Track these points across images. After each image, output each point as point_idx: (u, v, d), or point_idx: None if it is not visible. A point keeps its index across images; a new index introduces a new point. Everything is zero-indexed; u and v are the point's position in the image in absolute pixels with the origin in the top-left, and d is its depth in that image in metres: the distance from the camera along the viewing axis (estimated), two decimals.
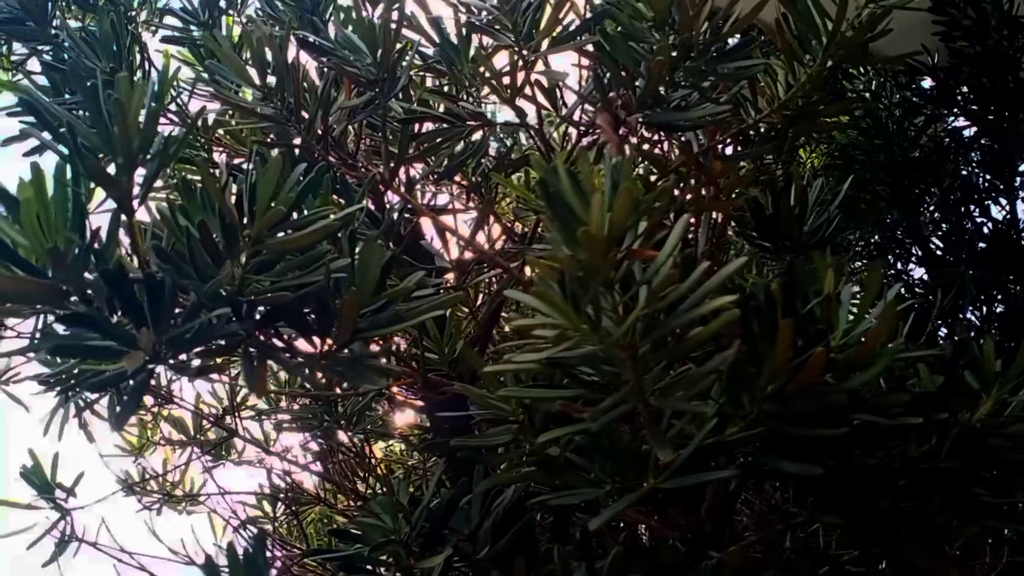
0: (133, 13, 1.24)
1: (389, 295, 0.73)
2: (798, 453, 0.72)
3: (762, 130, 1.05)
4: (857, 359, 0.66)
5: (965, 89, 1.82)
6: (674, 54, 0.79)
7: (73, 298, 0.64)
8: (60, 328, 0.71)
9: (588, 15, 0.80)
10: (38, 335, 1.34)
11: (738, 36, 0.87)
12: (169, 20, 1.27)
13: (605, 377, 0.66)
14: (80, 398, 1.49)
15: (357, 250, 0.74)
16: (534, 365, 0.62)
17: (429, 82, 1.07)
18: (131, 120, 0.62)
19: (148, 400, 1.58)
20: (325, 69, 0.95)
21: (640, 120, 0.81)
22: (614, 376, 0.64)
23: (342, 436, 1.52)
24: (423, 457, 1.43)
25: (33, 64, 1.32)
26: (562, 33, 0.82)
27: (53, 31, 1.25)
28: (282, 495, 1.57)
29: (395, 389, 1.24)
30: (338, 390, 1.24)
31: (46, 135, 0.68)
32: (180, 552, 1.54)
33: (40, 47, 1.26)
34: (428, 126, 0.98)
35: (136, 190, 0.68)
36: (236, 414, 1.52)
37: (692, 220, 0.98)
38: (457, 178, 1.09)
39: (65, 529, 1.31)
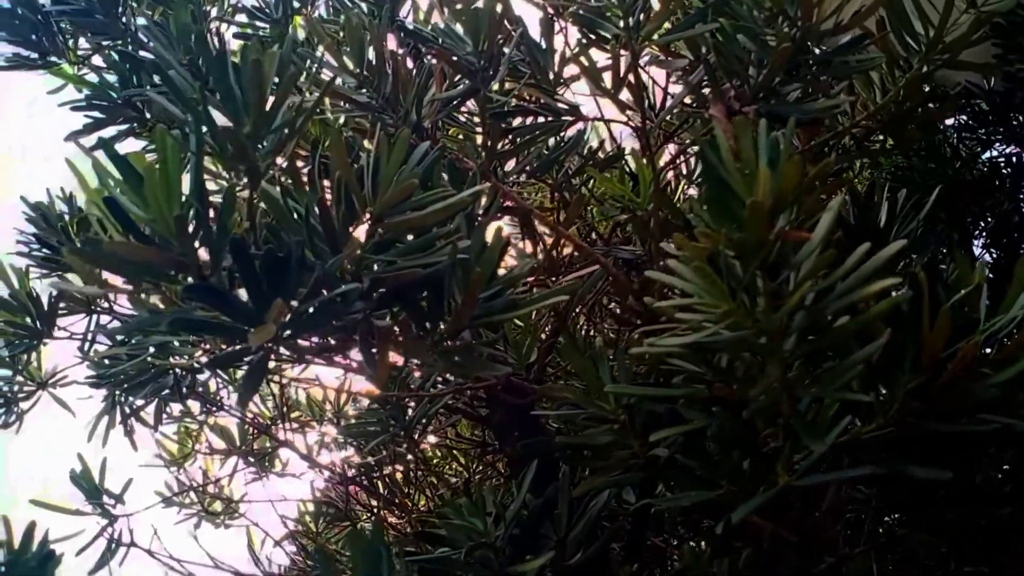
0: (206, 9, 1.23)
1: (505, 281, 0.70)
2: (926, 455, 0.69)
3: (856, 136, 1.03)
4: (1011, 353, 0.63)
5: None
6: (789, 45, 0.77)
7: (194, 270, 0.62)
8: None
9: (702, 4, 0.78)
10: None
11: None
12: (240, 18, 1.26)
13: (746, 366, 0.63)
14: (127, 404, 1.46)
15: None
16: (679, 349, 0.59)
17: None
18: (265, 87, 0.60)
19: (194, 407, 1.55)
20: (422, 60, 0.94)
21: (757, 111, 0.78)
22: (756, 365, 0.61)
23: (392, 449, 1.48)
24: (484, 465, 1.39)
25: (97, 59, 1.31)
26: (676, 22, 0.80)
27: (123, 25, 1.24)
28: (335, 504, 1.52)
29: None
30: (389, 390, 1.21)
31: (171, 106, 0.66)
32: (225, 562, 1.49)
33: (109, 41, 1.25)
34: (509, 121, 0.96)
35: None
36: (285, 423, 1.49)
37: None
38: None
39: (113, 535, 1.27)
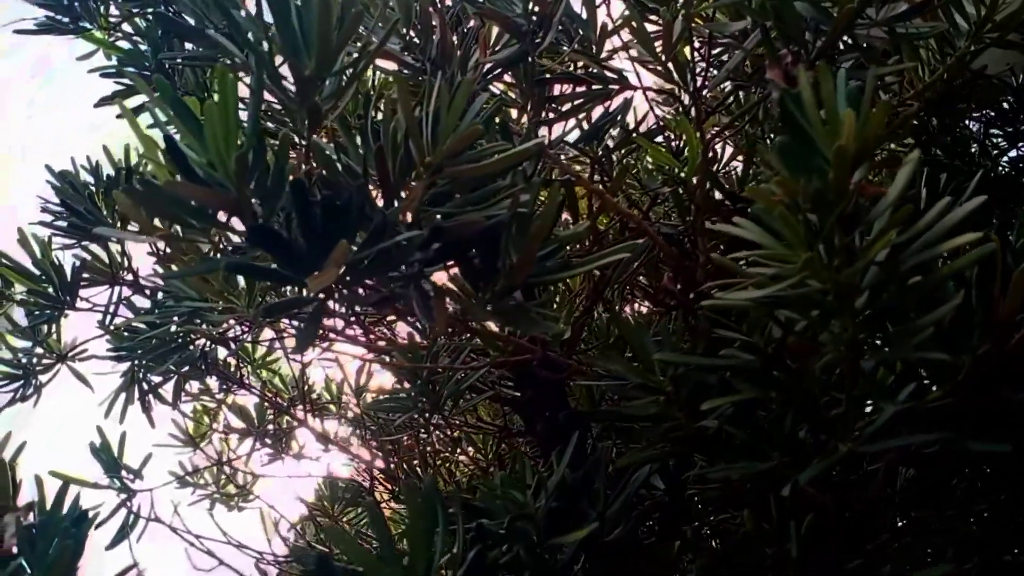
0: None
1: (561, 240, 0.69)
2: (979, 428, 0.67)
3: (900, 114, 1.02)
4: None
5: None
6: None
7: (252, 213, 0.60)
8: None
9: None
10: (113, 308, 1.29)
11: None
12: None
13: (811, 325, 0.61)
14: (146, 380, 1.45)
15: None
16: (749, 303, 0.58)
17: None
18: (330, 26, 0.59)
19: (211, 391, 1.53)
20: (462, 27, 0.92)
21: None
22: (821, 324, 0.60)
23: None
24: (509, 447, 1.37)
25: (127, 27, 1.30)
26: None
27: None
28: (358, 484, 1.50)
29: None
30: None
31: (230, 47, 0.65)
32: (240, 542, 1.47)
33: (139, 8, 1.23)
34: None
35: None
36: (305, 402, 1.47)
37: None
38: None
39: (132, 509, 1.25)
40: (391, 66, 0.88)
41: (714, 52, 0.96)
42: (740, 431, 0.75)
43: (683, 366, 0.80)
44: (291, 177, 0.61)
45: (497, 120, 0.76)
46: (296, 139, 0.70)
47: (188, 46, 1.21)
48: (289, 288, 0.96)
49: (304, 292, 0.62)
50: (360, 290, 0.63)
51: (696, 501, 0.86)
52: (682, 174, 0.90)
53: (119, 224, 1.24)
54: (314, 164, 0.63)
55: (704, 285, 0.89)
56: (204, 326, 1.09)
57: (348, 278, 0.61)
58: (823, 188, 0.54)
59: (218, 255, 0.76)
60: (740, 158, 0.99)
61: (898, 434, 0.66)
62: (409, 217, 0.64)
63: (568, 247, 0.89)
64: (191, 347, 1.31)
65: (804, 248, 0.55)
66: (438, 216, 0.66)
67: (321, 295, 0.61)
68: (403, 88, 0.60)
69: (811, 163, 0.55)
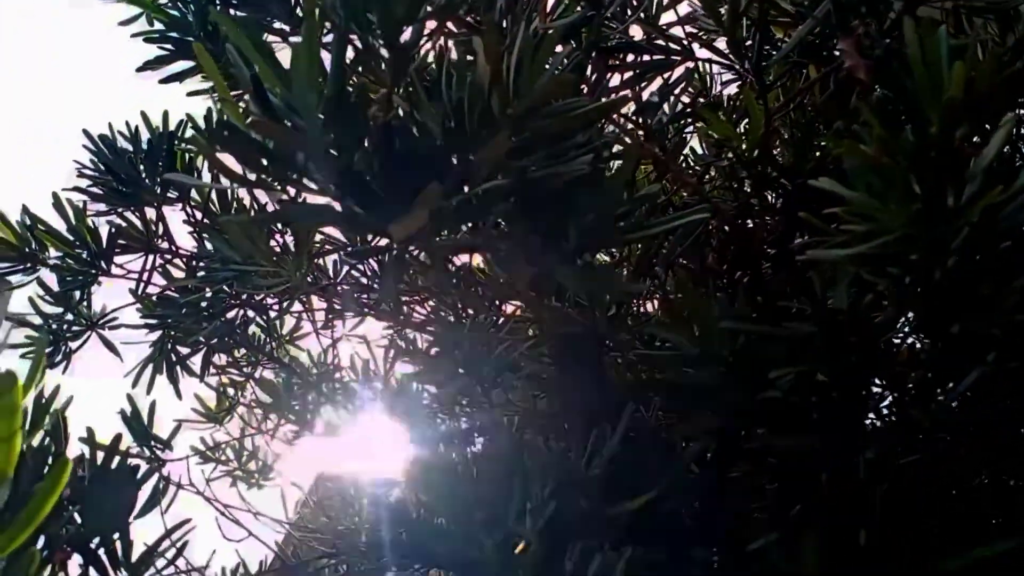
0: None
1: (636, 200, 0.68)
2: None
3: None
4: None
5: None
6: None
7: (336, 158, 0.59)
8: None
9: None
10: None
11: None
12: None
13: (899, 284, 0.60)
14: (175, 351, 1.43)
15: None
16: (843, 258, 0.57)
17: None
18: None
19: (241, 359, 1.52)
20: None
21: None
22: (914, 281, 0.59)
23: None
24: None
25: None
26: None
27: None
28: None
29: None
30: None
31: None
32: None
33: None
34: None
35: None
36: (335, 374, 1.46)
37: None
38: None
39: (163, 476, 1.24)
40: (453, 28, 0.87)
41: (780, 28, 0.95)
42: (805, 402, 0.74)
43: (745, 337, 0.79)
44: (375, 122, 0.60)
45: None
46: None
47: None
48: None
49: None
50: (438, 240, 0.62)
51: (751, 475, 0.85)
52: (741, 147, 0.89)
53: (159, 189, 1.23)
54: (395, 113, 0.61)
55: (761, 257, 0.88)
56: (247, 290, 1.08)
57: (430, 227, 0.60)
58: (926, 142, 0.53)
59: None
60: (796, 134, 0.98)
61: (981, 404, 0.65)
62: (485, 171, 0.63)
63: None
64: (223, 318, 1.30)
65: (904, 204, 0.54)
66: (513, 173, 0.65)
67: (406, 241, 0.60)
68: (491, 37, 0.59)
69: (912, 118, 0.55)
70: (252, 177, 0.64)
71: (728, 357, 0.80)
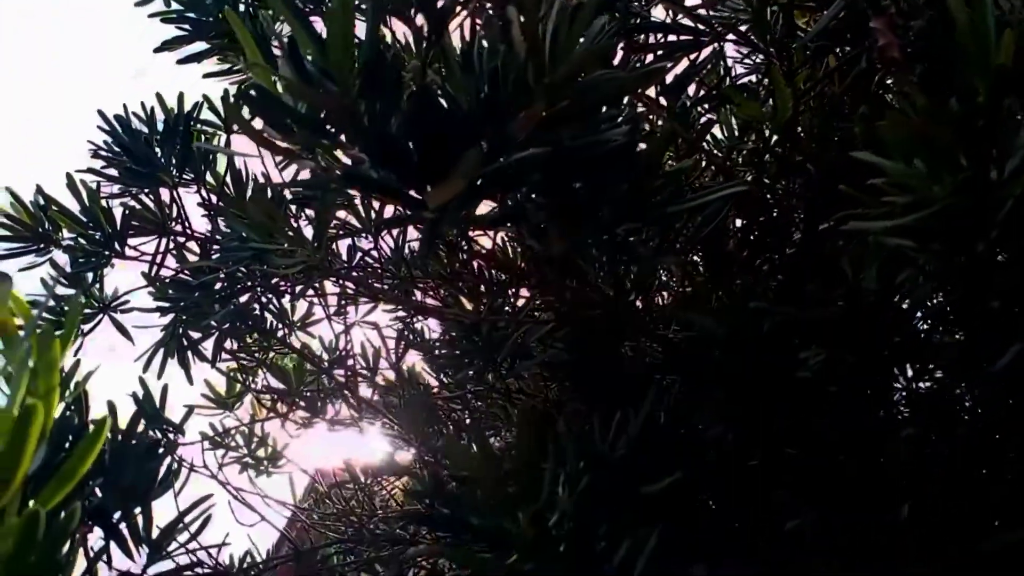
0: None
1: (671, 173, 0.67)
2: None
3: None
4: None
5: None
6: None
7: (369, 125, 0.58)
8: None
9: None
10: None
11: None
12: None
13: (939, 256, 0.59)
14: (186, 336, 1.43)
15: None
16: (886, 229, 0.56)
17: None
18: None
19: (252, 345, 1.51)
20: None
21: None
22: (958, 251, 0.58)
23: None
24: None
25: None
26: None
27: None
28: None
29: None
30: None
31: None
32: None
33: None
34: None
35: None
36: (349, 363, 1.45)
37: None
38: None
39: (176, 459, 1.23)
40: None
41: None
42: (834, 383, 0.74)
43: (772, 319, 0.79)
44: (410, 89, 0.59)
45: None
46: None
47: None
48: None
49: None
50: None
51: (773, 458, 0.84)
52: (766, 130, 0.89)
53: (175, 172, 1.23)
54: (431, 80, 0.61)
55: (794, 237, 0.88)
56: (265, 270, 1.07)
57: (463, 196, 0.59)
58: (973, 112, 0.52)
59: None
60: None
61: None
62: (520, 141, 0.62)
63: None
64: (236, 301, 1.30)
65: (950, 175, 0.53)
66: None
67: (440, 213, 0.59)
68: (528, 4, 0.58)
69: (957, 88, 0.54)
70: (284, 145, 0.63)
71: (756, 339, 0.79)
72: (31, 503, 0.36)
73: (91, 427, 0.73)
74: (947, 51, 0.54)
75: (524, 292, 1.26)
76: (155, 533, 0.76)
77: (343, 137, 0.60)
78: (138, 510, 0.73)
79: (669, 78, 1.01)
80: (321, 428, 1.61)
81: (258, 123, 0.64)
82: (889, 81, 1.00)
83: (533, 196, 0.64)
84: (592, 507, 0.59)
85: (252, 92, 0.59)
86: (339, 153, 0.61)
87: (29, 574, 0.36)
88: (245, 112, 0.64)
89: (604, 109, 0.65)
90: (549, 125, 0.64)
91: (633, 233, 0.66)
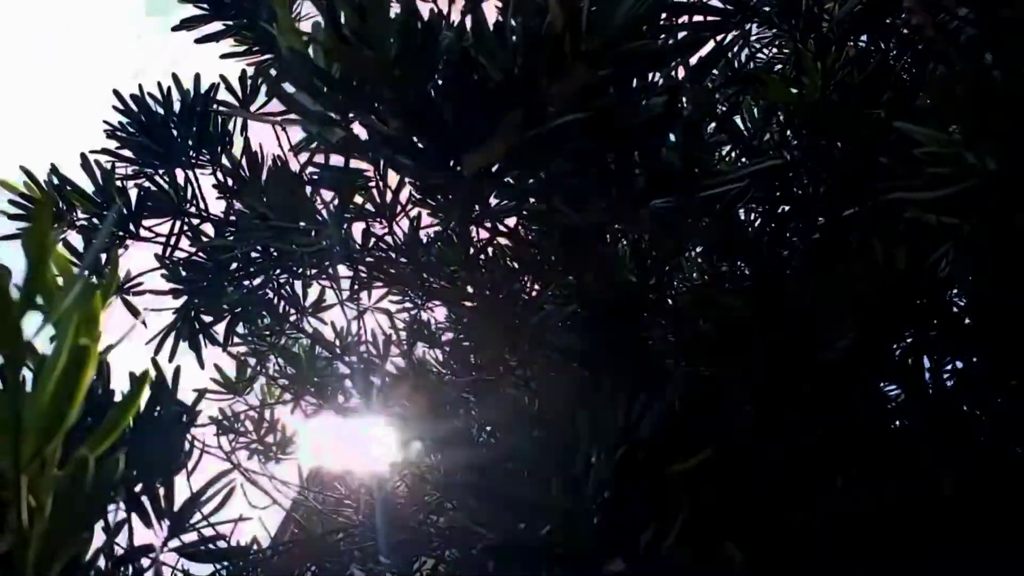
0: None
1: (709, 144, 0.66)
2: None
3: None
4: None
5: None
6: None
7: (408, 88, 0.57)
8: None
9: None
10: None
11: None
12: None
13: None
14: (198, 319, 1.42)
15: None
16: (937, 197, 0.55)
17: None
18: None
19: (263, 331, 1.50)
20: None
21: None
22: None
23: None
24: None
25: None
26: None
27: None
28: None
29: None
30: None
31: None
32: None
33: None
34: None
35: None
36: (361, 349, 1.44)
37: None
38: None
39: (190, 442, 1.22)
40: None
41: None
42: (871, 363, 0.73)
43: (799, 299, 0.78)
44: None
45: None
46: None
47: None
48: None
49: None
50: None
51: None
52: (794, 114, 0.88)
53: (193, 153, 1.22)
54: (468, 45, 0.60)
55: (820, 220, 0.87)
56: (283, 247, 1.06)
57: (501, 163, 0.59)
58: (1018, 80, 0.51)
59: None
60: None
61: None
62: (558, 108, 0.62)
63: None
64: (251, 283, 1.29)
65: (995, 146, 0.52)
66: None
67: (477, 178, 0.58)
68: None
69: (1004, 60, 0.53)
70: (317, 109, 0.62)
71: (784, 319, 0.78)
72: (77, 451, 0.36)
73: (118, 396, 0.72)
74: (989, 22, 0.53)
75: (538, 281, 1.25)
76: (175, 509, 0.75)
77: (377, 103, 0.60)
78: (161, 483, 0.72)
79: (692, 60, 1.00)
80: (331, 415, 1.60)
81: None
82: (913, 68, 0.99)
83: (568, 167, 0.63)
84: (627, 480, 0.58)
85: (287, 55, 0.58)
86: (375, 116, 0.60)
87: (75, 520, 0.35)
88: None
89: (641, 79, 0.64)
90: (587, 94, 0.63)
91: (668, 205, 0.65)
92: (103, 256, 1.32)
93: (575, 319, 1.12)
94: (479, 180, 0.58)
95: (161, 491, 0.73)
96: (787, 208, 0.91)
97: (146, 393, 0.76)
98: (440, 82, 0.57)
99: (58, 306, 0.34)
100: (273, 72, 1.07)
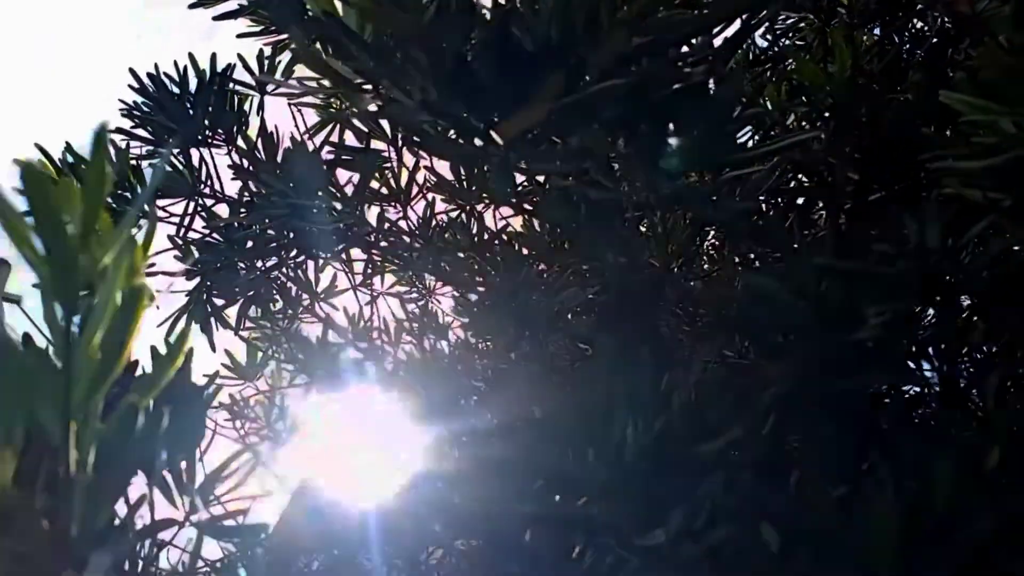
0: None
1: (746, 117, 0.65)
2: None
3: None
4: None
5: None
6: None
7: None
8: None
9: None
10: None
11: None
12: None
13: None
14: (210, 302, 1.41)
15: None
16: (985, 166, 0.54)
17: None
18: None
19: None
20: None
21: None
22: None
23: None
24: None
25: None
26: None
27: None
28: None
29: None
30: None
31: None
32: None
33: None
34: None
35: None
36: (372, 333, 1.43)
37: None
38: None
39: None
40: None
41: None
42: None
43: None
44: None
45: None
46: None
47: None
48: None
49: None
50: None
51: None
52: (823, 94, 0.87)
53: (208, 133, 1.21)
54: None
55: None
56: (303, 224, 1.05)
57: (537, 129, 0.58)
58: None
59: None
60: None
61: None
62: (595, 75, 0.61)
63: None
64: (265, 263, 1.28)
65: None
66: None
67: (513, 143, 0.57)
68: None
69: None
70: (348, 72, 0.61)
71: (817, 298, 0.77)
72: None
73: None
74: None
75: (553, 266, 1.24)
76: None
77: (410, 67, 0.59)
78: (183, 458, 0.71)
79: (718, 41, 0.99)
80: (342, 401, 1.59)
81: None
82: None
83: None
84: (665, 452, 0.57)
85: (320, 15, 0.57)
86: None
87: (122, 471, 0.34)
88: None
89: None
90: (624, 61, 0.62)
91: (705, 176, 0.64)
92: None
93: (595, 304, 1.11)
94: (514, 147, 0.57)
95: (183, 465, 0.72)
96: (812, 190, 0.90)
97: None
98: (479, 45, 0.56)
99: (106, 250, 0.34)
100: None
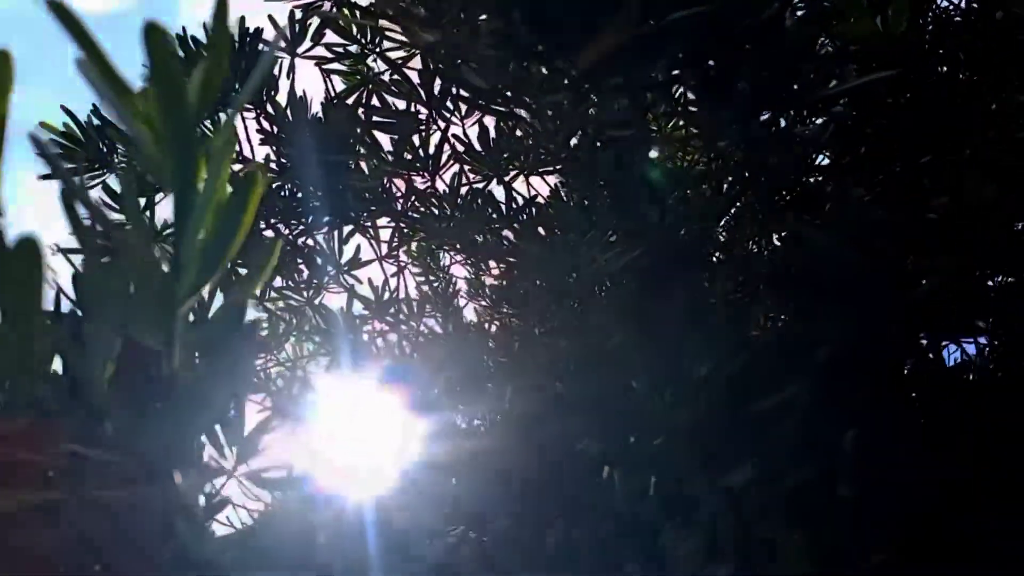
0: None
1: (819, 57, 0.64)
2: None
3: None
4: None
5: None
6: None
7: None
8: None
9: None
10: None
11: None
12: None
13: None
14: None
15: None
16: None
17: None
18: None
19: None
20: None
21: None
22: None
23: None
24: None
25: None
26: None
27: None
28: None
29: None
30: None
31: None
32: None
33: None
34: None
35: None
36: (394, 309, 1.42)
37: None
38: None
39: None
40: None
41: None
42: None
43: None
44: None
45: None
46: None
47: None
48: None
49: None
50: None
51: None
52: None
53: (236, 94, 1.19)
54: None
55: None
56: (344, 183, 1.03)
57: (609, 62, 0.56)
58: None
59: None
60: None
61: None
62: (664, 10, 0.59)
63: None
64: (289, 233, 1.27)
65: None
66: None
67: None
68: None
69: None
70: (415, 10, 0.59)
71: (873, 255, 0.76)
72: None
73: None
74: None
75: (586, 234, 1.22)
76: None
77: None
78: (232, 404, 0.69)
79: None
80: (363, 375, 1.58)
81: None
82: None
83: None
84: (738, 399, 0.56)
85: None
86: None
87: (228, 374, 0.33)
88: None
89: None
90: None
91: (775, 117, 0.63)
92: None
93: (637, 268, 1.09)
94: (585, 80, 0.56)
95: (232, 413, 0.70)
96: (864, 151, 0.89)
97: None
98: None
99: (207, 143, 0.32)
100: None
